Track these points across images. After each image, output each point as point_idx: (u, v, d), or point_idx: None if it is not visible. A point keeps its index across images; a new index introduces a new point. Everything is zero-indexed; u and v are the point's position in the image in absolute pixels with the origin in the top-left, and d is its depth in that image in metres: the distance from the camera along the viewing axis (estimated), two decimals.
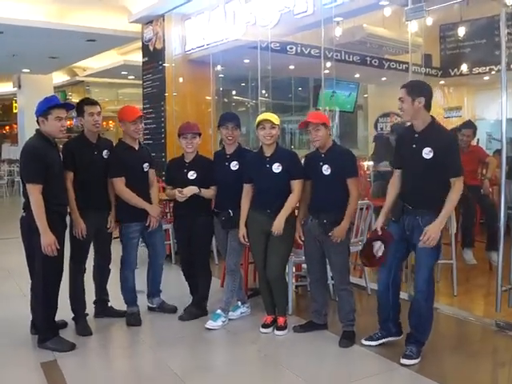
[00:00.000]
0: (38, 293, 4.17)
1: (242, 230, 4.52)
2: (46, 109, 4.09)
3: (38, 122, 4.15)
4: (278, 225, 4.33)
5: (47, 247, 3.96)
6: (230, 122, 4.67)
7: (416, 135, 3.86)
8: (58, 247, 4.01)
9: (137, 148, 4.82)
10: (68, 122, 19.08)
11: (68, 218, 4.41)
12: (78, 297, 4.63)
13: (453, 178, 3.74)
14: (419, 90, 3.82)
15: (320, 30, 6.52)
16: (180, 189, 4.66)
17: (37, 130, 4.19)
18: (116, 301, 4.98)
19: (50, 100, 4.14)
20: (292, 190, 4.39)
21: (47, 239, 3.96)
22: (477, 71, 11.41)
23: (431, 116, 3.88)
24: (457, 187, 3.73)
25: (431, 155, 3.73)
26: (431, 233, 3.70)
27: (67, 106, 4.31)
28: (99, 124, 4.60)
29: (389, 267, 4.07)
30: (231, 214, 4.63)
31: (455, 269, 5.39)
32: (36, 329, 4.38)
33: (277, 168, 4.38)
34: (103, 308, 4.95)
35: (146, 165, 4.85)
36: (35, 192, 3.96)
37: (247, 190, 4.55)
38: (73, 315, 4.64)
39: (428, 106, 3.84)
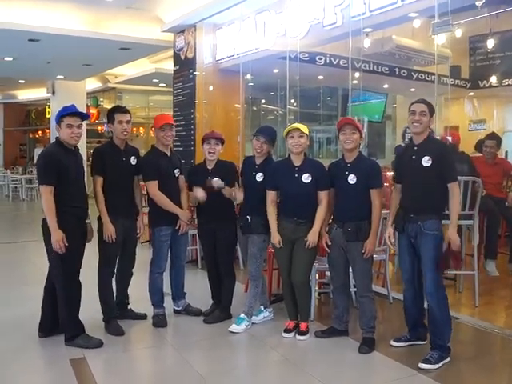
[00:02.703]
0: (60, 292, 4.33)
1: (277, 237, 4.56)
2: (59, 117, 4.32)
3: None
4: (313, 238, 4.45)
5: (55, 244, 4.14)
6: (261, 136, 4.76)
7: (415, 148, 4.16)
8: (66, 244, 4.15)
9: (168, 154, 4.97)
10: (99, 128, 19.50)
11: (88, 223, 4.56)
12: (108, 299, 4.77)
13: (450, 183, 4.03)
14: (433, 110, 4.22)
15: (348, 41, 6.63)
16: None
17: (56, 137, 4.42)
18: (137, 303, 5.12)
19: (64, 109, 4.36)
20: (320, 200, 4.48)
21: (56, 236, 4.14)
22: (506, 83, 11.35)
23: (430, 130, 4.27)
24: (454, 192, 4.05)
25: (430, 163, 4.03)
26: (451, 236, 4.01)
27: (82, 115, 4.51)
28: (127, 132, 4.75)
29: (411, 280, 4.26)
30: (249, 220, 4.76)
31: (477, 280, 5.39)
32: (44, 329, 4.54)
33: (307, 178, 4.48)
34: (123, 310, 5.02)
35: (176, 170, 4.99)
36: (45, 193, 4.17)
37: (272, 197, 4.62)
38: (103, 317, 4.75)
39: None
